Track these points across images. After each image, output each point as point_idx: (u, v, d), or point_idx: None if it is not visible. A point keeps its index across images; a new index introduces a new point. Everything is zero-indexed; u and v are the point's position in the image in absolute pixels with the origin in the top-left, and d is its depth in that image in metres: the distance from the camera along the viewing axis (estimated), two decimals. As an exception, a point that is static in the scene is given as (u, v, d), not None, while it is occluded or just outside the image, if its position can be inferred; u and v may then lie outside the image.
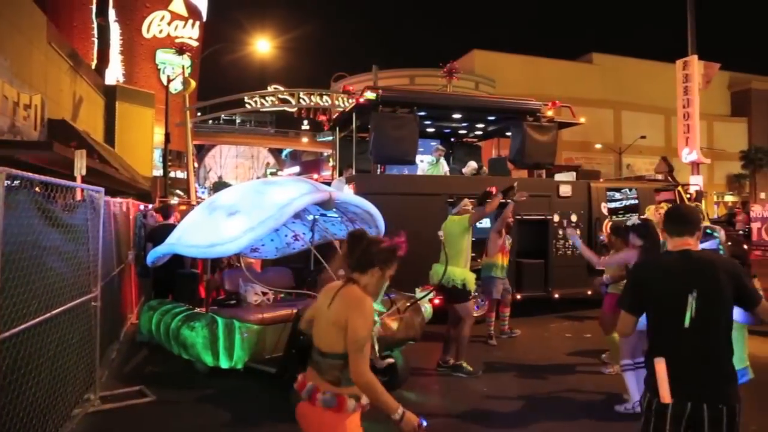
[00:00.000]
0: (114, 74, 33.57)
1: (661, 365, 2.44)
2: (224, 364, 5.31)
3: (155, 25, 37.21)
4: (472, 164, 9.98)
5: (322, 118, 15.05)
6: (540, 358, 6.66)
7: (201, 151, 55.07)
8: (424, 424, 2.33)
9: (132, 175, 19.69)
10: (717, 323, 2.44)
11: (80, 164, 6.62)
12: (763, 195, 44.71)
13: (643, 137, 39.63)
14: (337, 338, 2.34)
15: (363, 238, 2.66)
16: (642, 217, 5.52)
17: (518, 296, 8.73)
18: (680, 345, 2.45)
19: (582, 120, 11.09)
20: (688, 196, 10.93)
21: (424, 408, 5.00)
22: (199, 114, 23.93)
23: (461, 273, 5.92)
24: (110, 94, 23.87)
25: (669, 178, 12.03)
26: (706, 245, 3.48)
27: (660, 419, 2.45)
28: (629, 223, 5.11)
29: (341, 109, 13.15)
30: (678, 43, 20.31)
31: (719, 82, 46.59)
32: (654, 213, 6.56)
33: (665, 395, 2.40)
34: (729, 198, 48.07)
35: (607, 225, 6.91)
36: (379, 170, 9.51)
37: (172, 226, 6.55)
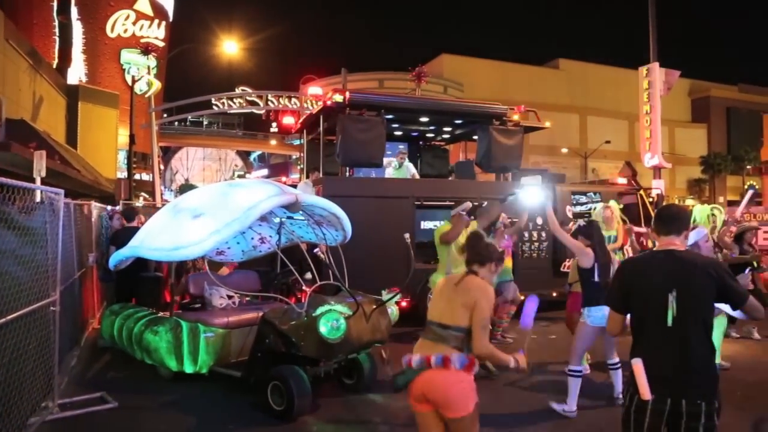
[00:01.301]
0: (76, 74, 32.83)
1: (638, 366, 2.51)
2: (189, 368, 5.23)
3: (120, 24, 36.51)
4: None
5: (288, 120, 14.94)
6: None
7: (167, 153, 54.12)
8: (522, 353, 3.03)
9: (95, 177, 19.25)
10: (697, 322, 2.49)
11: (39, 165, 6.46)
12: (721, 199, 46.26)
13: (607, 142, 40.60)
14: (463, 316, 2.88)
15: (482, 238, 3.28)
16: (588, 219, 5.66)
17: None
18: (662, 343, 2.52)
19: (547, 124, 11.29)
20: (651, 199, 11.22)
21: (391, 410, 5.01)
22: (165, 115, 23.57)
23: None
24: (72, 94, 23.30)
25: (632, 182, 12.33)
26: (693, 234, 3.61)
27: (641, 414, 2.53)
28: (575, 226, 5.34)
29: (310, 112, 13.10)
30: (641, 50, 20.92)
31: (680, 89, 47.99)
32: (603, 211, 6.86)
33: (645, 393, 2.48)
34: (690, 202, 49.44)
35: (572, 227, 7.06)
36: (348, 173, 9.52)
37: (136, 229, 6.43)
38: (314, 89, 12.83)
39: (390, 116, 9.33)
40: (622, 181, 11.54)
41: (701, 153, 49.61)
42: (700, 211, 7.15)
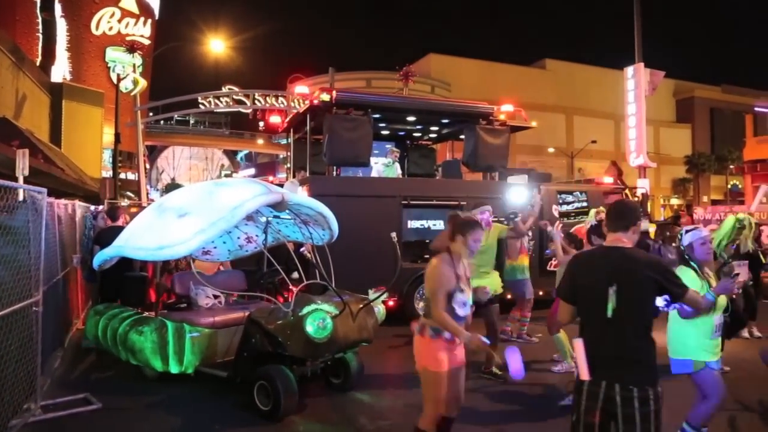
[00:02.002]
0: (60, 71, 32.43)
1: (578, 345, 2.70)
2: (174, 369, 5.19)
3: (105, 21, 36.11)
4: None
5: (275, 119, 14.86)
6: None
7: (153, 153, 53.68)
8: (487, 343, 3.37)
9: (79, 176, 19.04)
10: (635, 315, 2.63)
11: (22, 164, 6.37)
12: (705, 198, 46.81)
13: (593, 142, 40.88)
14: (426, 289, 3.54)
15: (456, 216, 3.69)
16: (597, 219, 5.74)
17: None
18: (603, 332, 2.67)
19: (533, 124, 11.35)
20: (636, 198, 11.33)
21: (376, 410, 5.02)
22: (150, 114, 23.40)
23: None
24: (56, 92, 23.02)
25: (618, 181, 12.44)
26: (689, 236, 3.76)
27: (579, 394, 2.69)
28: (587, 226, 5.44)
29: (297, 111, 13.07)
30: (627, 51, 21.12)
31: (665, 89, 48.47)
32: (595, 216, 6.86)
33: (583, 372, 2.65)
34: (674, 201, 50.03)
35: (557, 227, 7.11)
36: (335, 172, 9.50)
37: (120, 229, 6.37)
38: (301, 88, 12.76)
39: (377, 115, 9.33)
40: (608, 180, 11.63)
41: (686, 153, 50.13)
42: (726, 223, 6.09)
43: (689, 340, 3.60)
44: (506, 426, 4.69)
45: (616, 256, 2.73)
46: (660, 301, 2.91)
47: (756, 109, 45.57)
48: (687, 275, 3.55)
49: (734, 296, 3.77)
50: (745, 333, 7.72)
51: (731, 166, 45.45)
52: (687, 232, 3.82)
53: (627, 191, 11.27)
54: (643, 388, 2.55)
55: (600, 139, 43.14)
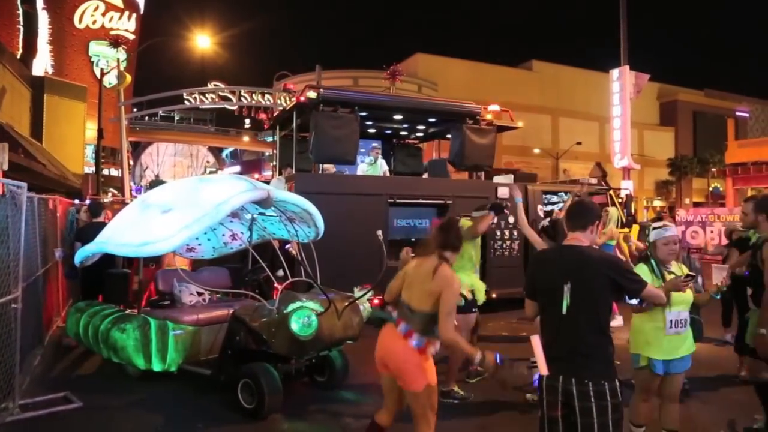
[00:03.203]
0: (42, 65, 31.93)
1: (536, 341, 2.77)
2: (157, 367, 5.13)
3: (88, 15, 35.61)
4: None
5: (263, 116, 14.80)
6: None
7: (137, 149, 53.11)
8: (501, 362, 3.07)
9: (61, 172, 18.77)
10: (589, 312, 2.69)
11: (1, 158, 6.27)
12: (687, 200, 47.43)
13: (579, 143, 41.22)
14: (428, 301, 3.12)
15: (455, 225, 3.39)
16: (552, 218, 5.75)
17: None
18: (558, 329, 2.75)
19: (520, 124, 11.40)
20: (620, 200, 11.42)
21: (361, 408, 4.99)
22: (134, 110, 23.04)
23: (468, 279, 5.37)
24: (38, 86, 22.65)
25: (602, 182, 12.53)
26: (670, 234, 3.69)
27: (540, 390, 2.78)
28: (540, 225, 5.48)
29: (282, 108, 12.99)
30: (612, 54, 21.31)
31: (649, 93, 49.01)
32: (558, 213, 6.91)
33: (542, 368, 2.73)
34: (657, 203, 50.61)
35: (542, 227, 7.13)
36: (321, 169, 9.46)
37: (102, 225, 6.28)
38: (288, 85, 12.70)
39: (363, 113, 9.30)
40: (593, 181, 11.72)
41: (668, 155, 50.75)
42: None
43: (639, 335, 3.67)
44: (487, 419, 4.70)
45: (571, 255, 2.81)
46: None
47: (737, 113, 46.36)
48: (641, 270, 3.62)
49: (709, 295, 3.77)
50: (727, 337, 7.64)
51: (713, 169, 46.09)
52: (654, 229, 3.78)
53: (611, 192, 11.35)
54: (598, 383, 2.61)
55: (585, 141, 43.53)
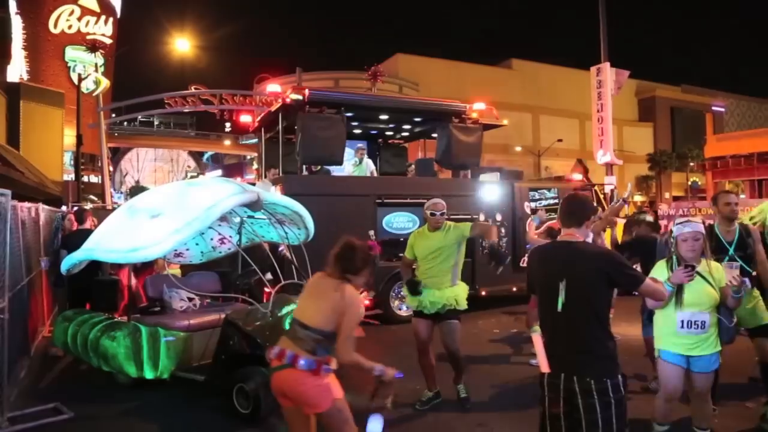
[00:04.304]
0: (17, 71, 31.41)
1: (537, 338, 2.78)
2: (149, 374, 5.05)
3: (63, 19, 35.11)
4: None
5: (245, 119, 14.68)
6: (469, 354, 6.78)
7: (116, 155, 52.37)
8: (399, 376, 3.03)
9: (40, 180, 18.43)
10: (585, 308, 2.66)
11: (-20, 166, 6.11)
12: (667, 195, 48.10)
13: (559, 140, 41.59)
14: (328, 320, 2.88)
15: (356, 248, 3.06)
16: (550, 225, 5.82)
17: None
18: (555, 325, 2.73)
19: (505, 122, 11.46)
20: (603, 195, 11.55)
21: (357, 408, 4.95)
22: (113, 115, 22.80)
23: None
24: (13, 93, 22.22)
25: (586, 179, 12.66)
26: (687, 231, 3.50)
27: (541, 387, 2.76)
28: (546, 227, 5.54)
29: (266, 111, 12.89)
30: (590, 52, 21.55)
31: (627, 89, 49.59)
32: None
33: (543, 365, 2.72)
34: (638, 198, 51.21)
35: (530, 224, 7.20)
36: (306, 171, 9.39)
37: (88, 232, 6.18)
38: (273, 86, 12.61)
39: (349, 114, 9.27)
40: (578, 177, 11.83)
41: (648, 151, 51.40)
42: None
43: (657, 328, 3.65)
44: (485, 416, 4.70)
45: (564, 251, 2.78)
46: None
47: (713, 108, 47.16)
48: (659, 267, 3.60)
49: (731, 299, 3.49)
50: None
51: (691, 164, 46.82)
52: (676, 224, 3.61)
53: (596, 188, 11.47)
54: (600, 380, 2.58)
55: (565, 138, 43.95)
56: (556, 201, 10.53)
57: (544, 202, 10.48)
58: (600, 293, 2.69)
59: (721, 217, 4.38)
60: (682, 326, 3.44)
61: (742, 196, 28.11)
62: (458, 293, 4.84)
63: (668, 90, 58.23)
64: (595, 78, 17.42)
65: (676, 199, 42.53)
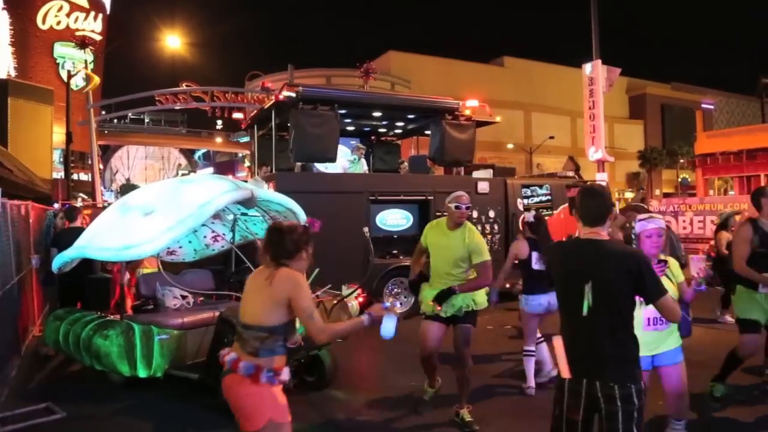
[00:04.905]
0: (4, 67, 31.01)
1: (558, 342, 2.61)
2: (142, 373, 5.01)
3: (52, 15, 34.79)
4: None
5: (238, 116, 14.63)
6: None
7: (107, 152, 52.01)
8: (386, 305, 2.85)
9: (29, 178, 18.24)
10: (611, 312, 2.49)
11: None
12: (657, 191, 48.42)
13: (551, 137, 41.69)
14: (271, 314, 2.61)
15: (284, 231, 2.76)
16: (535, 215, 5.78)
17: None
18: (579, 329, 2.56)
19: (498, 119, 11.47)
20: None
21: (352, 407, 4.97)
22: (103, 112, 22.58)
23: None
24: (1, 89, 21.98)
25: (577, 175, 12.70)
26: (651, 227, 3.54)
27: (561, 392, 2.60)
28: (526, 219, 5.53)
29: (258, 108, 12.83)
30: (581, 48, 21.63)
31: (618, 86, 49.84)
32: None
33: (564, 370, 2.57)
34: (629, 195, 51.49)
35: (522, 220, 7.20)
36: (298, 168, 9.36)
37: (80, 230, 6.12)
38: (266, 86, 12.58)
39: (342, 111, 9.24)
40: (570, 174, 11.87)
41: (638, 148, 51.72)
42: None
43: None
44: (484, 411, 4.69)
45: (591, 250, 2.57)
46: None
47: (703, 105, 47.50)
48: None
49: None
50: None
51: (681, 161, 47.15)
52: (639, 221, 3.61)
53: (588, 185, 11.50)
54: (625, 385, 2.46)
55: (557, 135, 44.02)
56: (549, 198, 10.56)
57: (536, 199, 10.51)
58: (628, 295, 2.52)
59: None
60: (648, 324, 3.46)
61: (732, 192, 28.34)
62: (475, 293, 4.49)
63: (658, 87, 58.63)
64: (586, 75, 17.49)
65: (666, 195, 42.81)
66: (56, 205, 9.78)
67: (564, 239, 9.42)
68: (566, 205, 10.55)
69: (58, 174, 25.06)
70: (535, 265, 5.26)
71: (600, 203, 2.63)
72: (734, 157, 27.08)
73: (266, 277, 2.65)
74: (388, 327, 2.84)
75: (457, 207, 4.41)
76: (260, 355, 2.59)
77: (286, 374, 2.67)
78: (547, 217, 10.22)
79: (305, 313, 2.61)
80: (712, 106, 54.05)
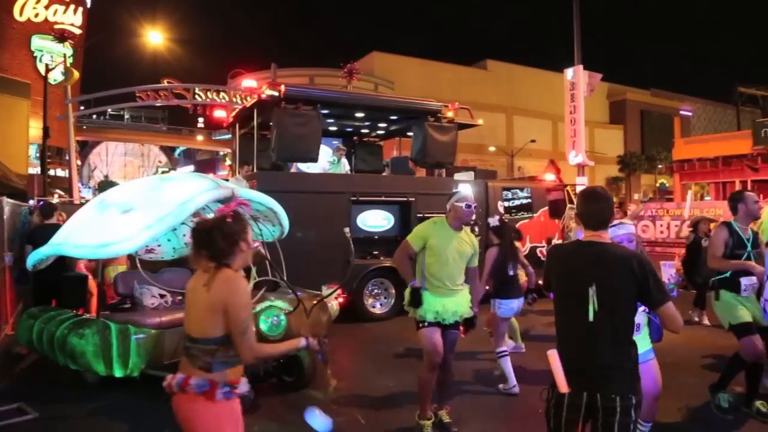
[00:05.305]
0: (-20, 61, 30.46)
1: (553, 357, 2.46)
2: (118, 372, 4.94)
3: (29, 7, 34.17)
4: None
5: (220, 114, 14.49)
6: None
7: (85, 148, 51.25)
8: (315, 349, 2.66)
9: (4, 173, 17.94)
10: (615, 317, 2.42)
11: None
12: (637, 196, 49.09)
13: (533, 141, 42.10)
14: (213, 323, 2.35)
15: (211, 229, 2.47)
16: (500, 219, 5.85)
17: None
18: (580, 336, 2.46)
19: (480, 122, 11.55)
20: (575, 195, 11.72)
21: (332, 406, 4.94)
22: (82, 108, 22.24)
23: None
24: (-24, 83, 21.59)
25: (558, 179, 12.83)
26: (621, 233, 3.52)
27: (559, 408, 2.48)
28: (490, 224, 5.59)
29: (239, 106, 12.74)
30: (564, 54, 21.89)
31: (599, 92, 50.51)
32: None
33: (561, 385, 2.43)
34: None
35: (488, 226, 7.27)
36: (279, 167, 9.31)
37: (55, 227, 6.01)
38: (248, 82, 12.49)
39: (325, 111, 9.22)
40: (550, 177, 11.98)
41: (618, 152, 52.45)
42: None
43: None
44: (462, 412, 4.72)
45: (593, 252, 2.50)
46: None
47: (681, 112, 48.32)
48: None
49: None
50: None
51: (660, 166, 47.91)
52: (612, 226, 3.45)
53: (567, 188, 11.64)
54: (626, 396, 2.38)
55: (539, 139, 44.53)
56: (529, 200, 10.66)
57: (516, 202, 10.60)
58: (631, 300, 2.44)
59: (747, 214, 4.58)
60: None
61: (708, 198, 28.88)
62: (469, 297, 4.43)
63: (638, 93, 59.52)
64: (568, 80, 17.69)
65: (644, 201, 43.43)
66: (32, 202, 9.58)
67: (544, 242, 9.57)
68: (546, 208, 10.67)
69: (35, 169, 24.64)
70: (510, 271, 5.38)
71: (604, 207, 2.59)
72: (710, 163, 27.65)
73: (204, 282, 2.38)
74: (320, 422, 2.65)
75: (467, 206, 4.29)
76: (213, 370, 2.36)
77: (243, 386, 2.46)
78: (527, 220, 10.41)
79: (238, 327, 2.32)
80: (690, 113, 55.01)
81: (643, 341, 3.56)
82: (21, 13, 34.04)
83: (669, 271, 3.69)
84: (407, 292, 4.34)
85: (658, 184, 49.62)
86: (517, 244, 6.31)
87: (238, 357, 2.39)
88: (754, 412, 4.52)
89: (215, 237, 2.42)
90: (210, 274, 2.39)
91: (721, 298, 4.61)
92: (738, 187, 26.32)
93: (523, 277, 5.78)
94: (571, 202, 10.77)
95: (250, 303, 2.43)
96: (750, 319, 4.49)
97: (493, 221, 5.59)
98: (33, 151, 27.56)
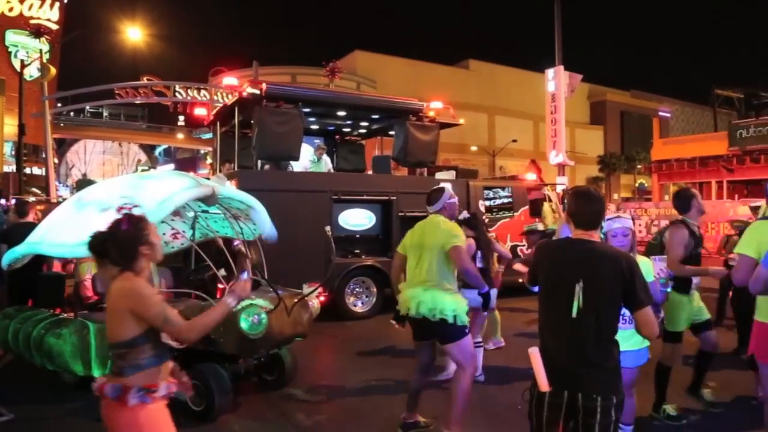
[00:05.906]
0: (-47, 56, 29.84)
1: (534, 355, 2.44)
2: (97, 372, 4.85)
3: (3, 1, 33.48)
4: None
5: (200, 112, 14.39)
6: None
7: (62, 146, 50.47)
8: (244, 276, 2.54)
9: (-21, 170, 17.59)
10: (601, 315, 2.42)
11: None
12: (616, 196, 49.75)
13: (514, 141, 42.43)
14: (120, 327, 2.34)
15: (106, 240, 2.44)
16: (471, 212, 5.96)
17: None
18: (565, 334, 2.45)
19: (461, 121, 11.61)
20: (557, 194, 11.84)
21: (312, 404, 4.96)
22: (59, 104, 21.93)
23: (453, 301, 4.03)
24: (-51, 78, 21.14)
25: (539, 178, 12.95)
26: (617, 227, 3.54)
27: (540, 407, 2.48)
28: (460, 217, 5.65)
29: (221, 104, 12.67)
30: (546, 54, 22.11)
31: (580, 92, 51.05)
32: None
33: (542, 383, 2.42)
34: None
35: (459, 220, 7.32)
36: (260, 166, 9.28)
37: (31, 225, 5.92)
38: (230, 79, 12.42)
39: (307, 110, 9.21)
40: (531, 177, 12.09)
41: (598, 153, 53.08)
42: None
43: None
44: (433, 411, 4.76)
45: (583, 250, 2.49)
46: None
47: (660, 113, 49.06)
48: None
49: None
50: None
51: (639, 166, 48.59)
52: (607, 219, 3.48)
53: (548, 187, 11.76)
54: (607, 396, 2.37)
55: (520, 139, 44.89)
56: (510, 200, 10.75)
57: (497, 201, 10.68)
58: (617, 298, 2.43)
59: (699, 211, 4.43)
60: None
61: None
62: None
63: (618, 95, 60.32)
64: (549, 80, 17.86)
65: (624, 200, 44.04)
66: (3, 202, 9.42)
67: (524, 240, 9.59)
68: (527, 207, 10.77)
69: (10, 167, 24.18)
70: (479, 263, 5.51)
71: (597, 209, 2.58)
72: (688, 163, 28.09)
73: (110, 291, 2.41)
74: None
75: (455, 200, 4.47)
76: (125, 374, 2.32)
77: (164, 389, 2.38)
78: (508, 219, 10.50)
79: (158, 320, 2.32)
80: (668, 114, 55.90)
81: (635, 337, 3.33)
82: (-5, 8, 33.42)
83: (660, 265, 3.67)
84: (448, 299, 3.99)
85: (637, 184, 50.33)
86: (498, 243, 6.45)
87: (153, 359, 2.37)
88: (662, 417, 4.43)
89: (109, 248, 2.42)
90: (113, 284, 2.40)
91: (670, 300, 4.19)
92: (714, 187, 26.83)
93: (496, 268, 6.01)
94: (550, 200, 10.89)
95: (154, 293, 2.38)
96: (684, 327, 4.43)
97: (464, 214, 5.69)
98: (8, 148, 27.08)
